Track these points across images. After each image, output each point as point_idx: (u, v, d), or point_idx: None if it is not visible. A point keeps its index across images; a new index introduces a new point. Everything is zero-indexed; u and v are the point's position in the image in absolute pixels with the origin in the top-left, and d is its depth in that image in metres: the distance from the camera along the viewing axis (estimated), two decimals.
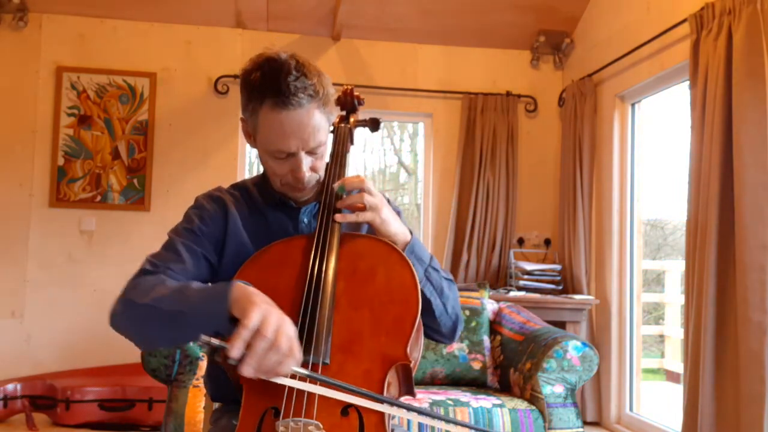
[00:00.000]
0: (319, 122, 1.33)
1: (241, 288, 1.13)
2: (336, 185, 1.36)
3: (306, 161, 1.36)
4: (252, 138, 1.41)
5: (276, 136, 1.32)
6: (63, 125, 4.24)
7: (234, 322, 1.09)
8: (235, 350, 1.03)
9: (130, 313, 1.23)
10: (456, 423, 1.14)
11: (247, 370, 1.04)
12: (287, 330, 1.07)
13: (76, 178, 4.24)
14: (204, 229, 1.41)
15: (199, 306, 1.15)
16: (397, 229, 1.36)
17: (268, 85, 1.30)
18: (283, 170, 1.37)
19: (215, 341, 1.03)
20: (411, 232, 1.40)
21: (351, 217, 1.33)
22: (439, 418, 1.16)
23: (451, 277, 1.47)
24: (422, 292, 1.34)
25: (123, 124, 4.31)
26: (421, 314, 1.36)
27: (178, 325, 1.16)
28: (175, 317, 1.16)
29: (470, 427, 1.15)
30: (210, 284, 1.25)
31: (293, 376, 1.10)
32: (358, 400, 1.12)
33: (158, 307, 1.18)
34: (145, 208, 4.28)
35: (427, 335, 1.46)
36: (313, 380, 1.11)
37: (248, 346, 1.04)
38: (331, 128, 1.55)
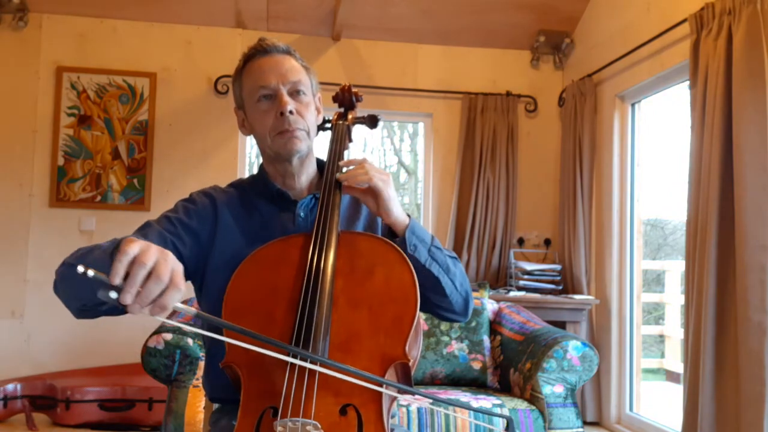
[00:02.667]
0: (297, 67, 1.46)
1: (129, 238, 1.10)
2: (339, 163, 1.41)
3: (289, 100, 1.42)
4: (243, 116, 1.49)
5: (256, 77, 1.43)
6: (63, 125, 4.24)
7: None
8: (115, 276, 0.96)
9: (60, 273, 1.26)
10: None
11: (127, 298, 0.97)
12: (170, 262, 1.01)
13: (76, 178, 4.24)
14: (185, 221, 1.43)
15: (95, 256, 1.16)
16: (399, 210, 1.36)
17: (249, 50, 1.47)
18: (270, 117, 1.42)
19: (92, 271, 0.96)
20: (409, 216, 1.40)
21: (358, 178, 1.32)
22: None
23: (454, 254, 1.47)
24: (430, 271, 1.36)
25: (123, 124, 4.31)
26: (433, 294, 1.39)
27: (78, 282, 1.12)
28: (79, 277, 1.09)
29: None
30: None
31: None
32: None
33: (72, 264, 1.19)
34: (145, 208, 4.28)
35: (441, 316, 1.46)
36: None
37: (128, 275, 0.97)
38: (329, 125, 1.56)
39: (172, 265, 1.00)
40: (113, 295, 0.97)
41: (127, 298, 0.97)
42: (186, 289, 1.05)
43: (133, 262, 0.97)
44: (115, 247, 1.05)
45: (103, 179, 4.27)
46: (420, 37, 4.58)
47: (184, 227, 1.42)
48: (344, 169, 1.40)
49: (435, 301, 1.41)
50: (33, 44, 4.26)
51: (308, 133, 1.45)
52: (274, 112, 1.42)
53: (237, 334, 1.09)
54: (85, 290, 1.09)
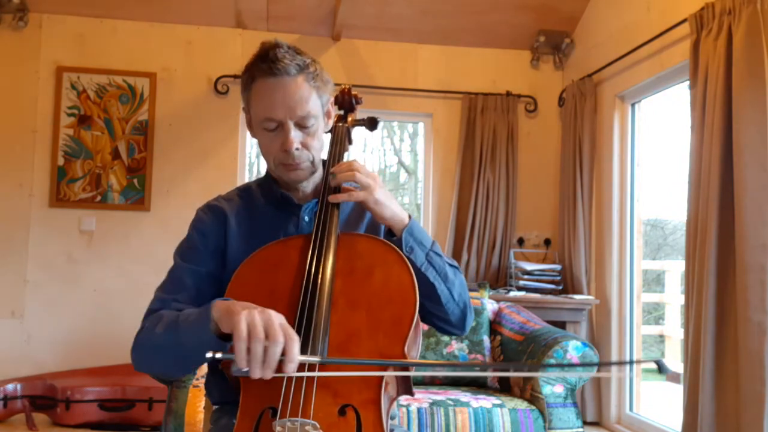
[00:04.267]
0: (307, 93, 1.36)
1: (219, 305, 1.18)
2: (331, 171, 1.38)
3: (295, 134, 1.37)
4: (250, 119, 1.45)
5: (264, 105, 1.36)
6: (63, 125, 4.24)
7: (226, 338, 1.15)
8: (241, 362, 1.06)
9: (144, 356, 1.33)
10: (455, 366, 1.14)
11: (258, 373, 1.07)
12: (275, 320, 1.09)
13: (76, 178, 4.24)
14: (205, 243, 1.45)
15: (190, 337, 1.22)
16: (393, 212, 1.35)
17: (259, 60, 1.36)
18: (275, 146, 1.39)
19: (219, 355, 1.07)
20: (410, 216, 1.38)
21: (343, 197, 1.34)
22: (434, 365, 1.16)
23: (455, 263, 1.44)
24: (425, 276, 1.34)
25: (123, 124, 4.31)
26: (427, 301, 1.37)
27: (182, 356, 1.25)
28: (179, 350, 1.24)
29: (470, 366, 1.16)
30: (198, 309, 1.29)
31: (305, 367, 1.13)
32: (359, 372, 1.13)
33: (162, 346, 1.27)
34: (145, 208, 4.28)
35: (437, 327, 1.45)
36: (322, 366, 1.14)
37: (248, 352, 1.06)
38: (329, 128, 1.56)
39: (278, 321, 1.09)
40: (243, 373, 1.08)
41: (257, 373, 1.07)
42: None
43: (249, 339, 1.06)
44: (207, 318, 1.17)
45: (103, 179, 4.26)
46: (420, 37, 4.58)
47: (208, 250, 1.44)
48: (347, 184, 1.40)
49: (430, 308, 1.40)
50: (33, 44, 4.26)
51: (313, 162, 1.43)
52: (280, 143, 1.38)
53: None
54: (193, 363, 1.27)
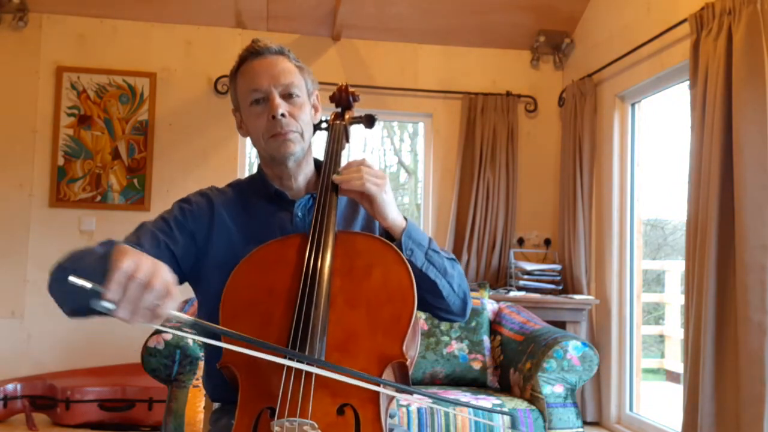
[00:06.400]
0: (290, 67, 1.44)
1: (121, 247, 1.09)
2: (338, 171, 1.39)
3: (281, 101, 1.41)
4: (239, 119, 1.49)
5: (249, 79, 1.43)
6: (63, 125, 4.25)
7: None
8: (111, 292, 0.97)
9: (53, 275, 1.28)
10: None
11: (123, 313, 0.99)
12: (163, 274, 1.02)
13: (76, 178, 4.24)
14: (180, 220, 1.43)
15: (89, 265, 1.15)
16: (395, 214, 1.36)
17: (242, 54, 1.46)
18: (262, 120, 1.42)
19: (88, 283, 0.97)
20: (406, 219, 1.39)
21: (357, 184, 1.33)
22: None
23: (452, 256, 1.47)
24: (426, 275, 1.36)
25: (123, 124, 4.31)
26: (430, 297, 1.39)
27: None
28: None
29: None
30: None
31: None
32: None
33: (66, 268, 1.22)
34: (145, 208, 4.28)
35: (439, 317, 1.47)
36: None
37: (123, 290, 0.99)
38: (326, 125, 1.56)
39: (164, 276, 1.02)
40: (110, 306, 0.98)
41: (125, 313, 0.99)
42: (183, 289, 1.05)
43: (128, 278, 0.98)
44: (107, 256, 1.05)
45: (103, 179, 4.27)
46: (420, 37, 4.58)
47: (179, 226, 1.43)
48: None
49: (432, 302, 1.42)
50: (33, 44, 4.26)
51: (302, 135, 1.44)
52: (267, 115, 1.41)
53: (234, 340, 1.10)
54: (79, 296, 1.07)
